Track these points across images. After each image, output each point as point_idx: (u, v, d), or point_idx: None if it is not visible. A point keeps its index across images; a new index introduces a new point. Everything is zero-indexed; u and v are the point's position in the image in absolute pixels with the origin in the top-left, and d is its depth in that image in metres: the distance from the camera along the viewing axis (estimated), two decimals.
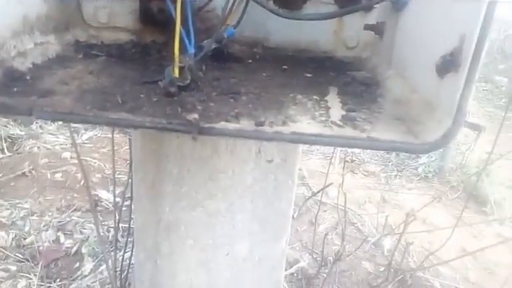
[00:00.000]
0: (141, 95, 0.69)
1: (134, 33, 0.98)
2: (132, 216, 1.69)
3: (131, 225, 1.87)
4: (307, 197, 2.58)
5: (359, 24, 0.98)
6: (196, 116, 0.62)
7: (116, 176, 3.36)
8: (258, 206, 1.19)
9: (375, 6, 0.92)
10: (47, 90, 0.66)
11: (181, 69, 0.71)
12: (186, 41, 0.77)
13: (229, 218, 1.22)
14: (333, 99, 0.74)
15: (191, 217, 1.22)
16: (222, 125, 0.61)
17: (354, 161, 3.86)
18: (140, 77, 0.77)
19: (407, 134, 0.62)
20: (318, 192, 1.86)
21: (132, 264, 1.69)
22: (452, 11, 0.61)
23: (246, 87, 0.78)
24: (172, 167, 1.14)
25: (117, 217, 1.71)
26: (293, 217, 2.63)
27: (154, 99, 0.68)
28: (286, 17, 0.87)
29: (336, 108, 0.70)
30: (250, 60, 0.96)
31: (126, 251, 1.98)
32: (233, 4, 0.86)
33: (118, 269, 1.72)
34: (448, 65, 0.59)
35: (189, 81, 0.72)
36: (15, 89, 0.66)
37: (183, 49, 0.75)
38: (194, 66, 0.75)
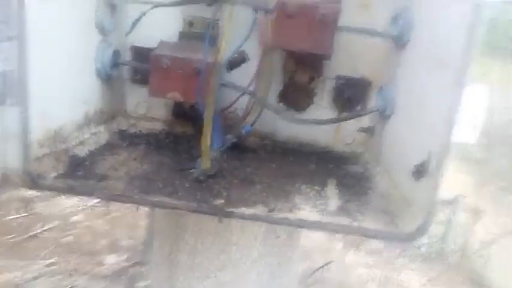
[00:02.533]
0: (176, 181, 0.86)
1: (167, 124, 1.18)
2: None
3: None
4: (311, 274, 2.63)
5: (354, 126, 1.17)
6: (222, 201, 0.79)
7: (123, 242, 3.45)
8: (263, 278, 1.30)
9: (368, 113, 1.11)
10: (102, 175, 0.84)
11: (210, 160, 0.89)
12: (213, 137, 0.96)
13: None
14: (331, 190, 0.91)
15: (203, 287, 1.32)
16: (242, 210, 0.78)
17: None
18: (174, 164, 0.95)
19: (390, 224, 0.77)
20: (318, 269, 1.94)
21: None
22: (422, 131, 0.80)
23: (259, 176, 0.95)
24: (189, 239, 1.27)
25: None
26: None
27: (187, 185, 0.85)
28: (291, 121, 1.07)
29: (333, 198, 0.86)
30: (262, 152, 1.14)
31: None
32: (251, 107, 1.07)
33: None
34: (420, 172, 0.76)
35: (215, 171, 0.89)
36: (78, 173, 0.83)
37: (210, 143, 0.94)
38: (219, 157, 0.93)
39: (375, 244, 3.85)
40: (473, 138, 0.74)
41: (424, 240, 3.96)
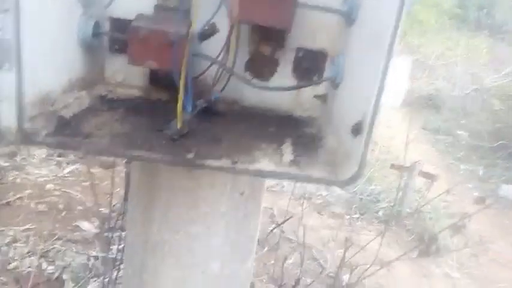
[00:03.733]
0: (153, 140, 1.00)
1: (144, 91, 1.30)
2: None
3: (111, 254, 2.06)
4: (273, 229, 2.85)
5: (311, 93, 1.34)
6: (192, 155, 0.93)
7: (97, 209, 3.57)
8: (230, 230, 1.46)
9: (321, 82, 1.28)
10: (87, 133, 0.96)
11: (182, 123, 1.03)
12: (186, 102, 1.09)
13: (206, 241, 1.48)
14: (286, 148, 1.07)
15: (174, 239, 1.47)
16: (209, 162, 0.93)
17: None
18: (152, 126, 1.08)
19: (331, 173, 0.95)
20: (280, 224, 2.14)
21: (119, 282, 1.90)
22: (360, 96, 0.96)
23: (226, 136, 1.10)
24: (162, 196, 1.41)
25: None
26: (262, 250, 2.89)
27: (163, 142, 0.99)
28: (257, 88, 1.22)
29: (287, 154, 1.03)
30: (229, 116, 1.28)
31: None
32: (220, 75, 1.21)
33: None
34: (356, 130, 0.93)
35: (186, 131, 1.03)
36: (66, 132, 0.95)
37: (183, 107, 1.07)
38: (190, 120, 1.07)
39: (337, 209, 4.15)
40: (398, 103, 0.89)
41: (382, 204, 4.30)
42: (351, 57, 1.13)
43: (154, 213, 1.44)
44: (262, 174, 0.92)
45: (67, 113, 1.03)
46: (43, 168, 4.12)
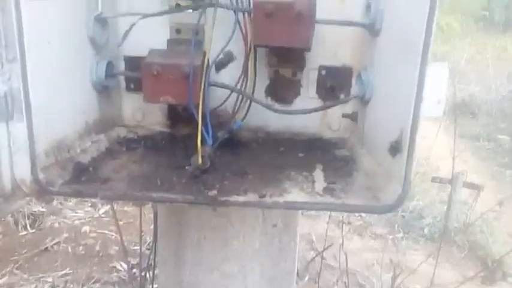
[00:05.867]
0: (173, 178, 0.93)
1: (163, 127, 1.25)
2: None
3: None
4: (312, 258, 2.71)
5: (339, 112, 1.24)
6: (215, 192, 0.86)
7: (132, 247, 3.53)
8: (266, 266, 1.37)
9: (349, 100, 1.19)
10: (105, 178, 0.91)
11: (202, 157, 0.96)
12: (206, 135, 1.03)
13: (242, 279, 1.39)
14: (318, 175, 0.98)
15: (209, 279, 1.39)
16: (234, 198, 0.85)
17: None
18: (171, 163, 1.02)
19: (372, 199, 0.84)
20: (318, 254, 2.01)
21: None
22: (395, 110, 0.86)
23: (251, 167, 1.02)
24: (193, 235, 1.34)
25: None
26: (302, 280, 2.73)
27: (183, 181, 0.92)
28: (280, 113, 1.15)
29: (319, 181, 0.93)
30: (254, 145, 1.21)
31: None
32: (239, 104, 1.14)
33: None
34: (394, 148, 0.83)
35: (208, 166, 0.96)
36: (83, 179, 0.90)
37: (203, 141, 1.01)
38: (212, 153, 1.00)
39: (379, 229, 3.93)
40: (440, 112, 0.80)
41: (427, 220, 4.04)
42: (380, 70, 1.03)
43: (185, 253, 1.37)
44: (293, 206, 0.83)
45: (84, 158, 0.99)
46: (79, 211, 4.16)
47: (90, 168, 0.96)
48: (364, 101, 1.10)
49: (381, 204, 0.81)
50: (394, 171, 0.85)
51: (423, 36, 0.76)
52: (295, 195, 0.86)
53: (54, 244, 3.37)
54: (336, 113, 1.25)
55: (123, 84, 1.25)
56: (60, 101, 0.94)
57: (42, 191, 0.85)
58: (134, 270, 3.09)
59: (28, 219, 3.82)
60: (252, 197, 0.85)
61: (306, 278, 2.82)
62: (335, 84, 1.24)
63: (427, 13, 0.76)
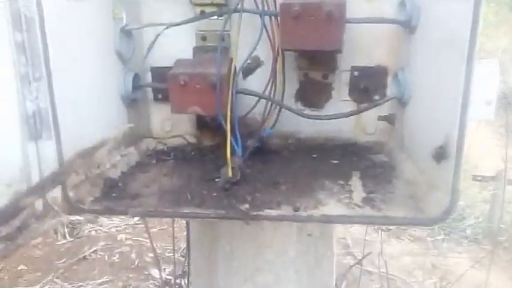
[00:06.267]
0: (204, 192, 0.90)
1: (192, 137, 1.23)
2: None
3: None
4: (350, 267, 2.62)
5: (375, 114, 1.18)
6: (247, 206, 0.82)
7: (167, 253, 3.55)
8: (302, 277, 1.32)
9: (385, 101, 1.12)
10: (135, 193, 0.89)
11: (232, 168, 0.93)
12: (235, 145, 0.99)
13: None
14: (355, 183, 0.92)
15: None
16: (267, 212, 0.81)
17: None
18: (202, 176, 0.99)
19: (415, 210, 0.78)
20: (357, 263, 1.93)
21: None
22: (439, 113, 0.80)
23: (283, 177, 0.98)
24: (225, 245, 1.31)
25: None
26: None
27: (214, 194, 0.89)
28: (312, 118, 1.10)
29: (357, 191, 0.87)
30: (286, 152, 1.16)
31: None
32: (269, 111, 1.10)
33: None
34: (440, 154, 0.76)
35: (239, 177, 0.93)
36: (113, 195, 0.89)
37: (232, 151, 0.97)
38: (242, 164, 0.97)
39: (418, 232, 3.77)
40: (491, 115, 0.73)
41: (469, 221, 3.84)
42: (418, 69, 0.96)
43: (218, 263, 1.35)
44: (330, 220, 0.78)
45: (114, 173, 0.98)
46: (114, 218, 4.24)
47: (120, 184, 0.95)
48: (402, 102, 1.03)
49: (427, 217, 0.75)
50: (439, 179, 0.78)
51: (469, 31, 0.70)
52: (331, 207, 0.81)
53: (92, 252, 3.44)
54: (371, 115, 1.19)
55: (150, 95, 1.24)
56: (89, 116, 0.93)
57: (73, 210, 0.84)
58: (170, 277, 3.11)
59: (67, 228, 3.93)
60: (285, 210, 0.81)
61: (343, 285, 2.74)
62: (369, 85, 1.17)
63: (472, 5, 0.69)
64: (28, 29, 0.76)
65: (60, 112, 0.81)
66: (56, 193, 0.82)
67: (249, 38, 1.06)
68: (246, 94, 1.10)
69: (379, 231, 3.38)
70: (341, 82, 1.20)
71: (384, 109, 1.15)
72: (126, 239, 3.75)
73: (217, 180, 0.93)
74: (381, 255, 1.77)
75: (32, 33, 0.76)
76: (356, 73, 1.18)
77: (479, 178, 3.85)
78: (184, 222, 2.33)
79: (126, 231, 3.95)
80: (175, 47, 1.17)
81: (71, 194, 0.84)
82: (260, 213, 0.80)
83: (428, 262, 3.13)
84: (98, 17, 0.99)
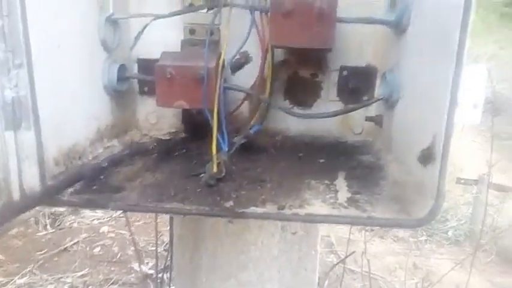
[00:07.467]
0: (188, 187, 0.88)
1: (178, 131, 1.21)
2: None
3: None
4: (333, 266, 2.64)
5: (362, 114, 1.17)
6: (231, 203, 0.80)
7: (150, 247, 3.53)
8: (285, 274, 1.31)
9: (373, 102, 1.11)
10: (117, 187, 0.87)
11: (218, 164, 0.91)
12: (221, 141, 0.98)
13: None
14: (341, 183, 0.91)
15: (225, 287, 1.35)
16: (252, 209, 0.79)
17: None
18: (186, 171, 0.97)
19: (400, 211, 0.77)
20: (340, 262, 1.94)
21: None
22: (426, 115, 0.79)
23: (269, 175, 0.96)
24: (208, 241, 1.30)
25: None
26: (322, 286, 2.67)
27: (198, 190, 0.87)
28: (299, 117, 1.09)
29: (343, 191, 0.87)
30: (272, 150, 1.15)
31: None
32: (257, 108, 1.09)
33: None
34: (426, 157, 0.76)
35: (224, 174, 0.91)
36: (94, 187, 0.87)
37: (218, 147, 0.96)
38: (228, 160, 0.95)
39: (401, 232, 3.81)
40: (477, 119, 0.73)
41: (451, 223, 3.89)
42: (407, 70, 0.96)
43: (201, 259, 1.33)
44: (314, 219, 0.77)
45: (96, 166, 0.95)
46: (98, 210, 4.19)
47: (102, 177, 0.92)
48: (390, 103, 1.02)
49: (411, 218, 0.74)
50: (425, 181, 0.78)
51: (458, 33, 0.69)
52: (316, 207, 0.80)
53: (73, 244, 3.39)
54: (358, 115, 1.18)
55: (136, 87, 1.21)
56: (71, 106, 0.91)
57: (52, 201, 0.82)
58: (151, 271, 3.08)
59: (48, 218, 3.86)
60: (270, 208, 0.80)
61: (326, 283, 2.75)
62: (358, 85, 1.17)
63: (462, 7, 0.68)
64: (9, 14, 0.73)
65: (41, 101, 0.78)
66: (34, 183, 0.80)
67: (239, 32, 1.05)
68: (234, 89, 1.09)
69: (363, 231, 3.40)
70: (330, 81, 1.20)
71: (372, 110, 1.15)
72: (109, 231, 3.70)
73: (201, 176, 0.92)
74: (364, 255, 1.77)
75: (13, 18, 0.73)
76: (345, 73, 1.18)
77: (462, 181, 3.91)
78: (168, 217, 2.30)
79: (109, 223, 3.91)
80: (163, 39, 1.14)
81: (50, 184, 0.81)
82: (245, 210, 0.79)
83: (411, 262, 3.16)
84: (83, 4, 0.96)
